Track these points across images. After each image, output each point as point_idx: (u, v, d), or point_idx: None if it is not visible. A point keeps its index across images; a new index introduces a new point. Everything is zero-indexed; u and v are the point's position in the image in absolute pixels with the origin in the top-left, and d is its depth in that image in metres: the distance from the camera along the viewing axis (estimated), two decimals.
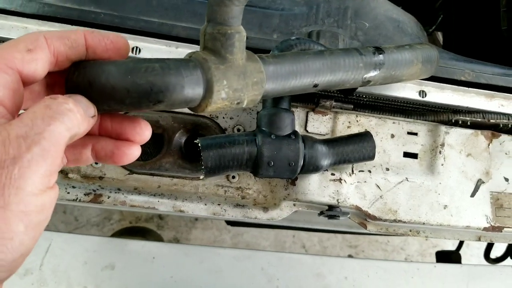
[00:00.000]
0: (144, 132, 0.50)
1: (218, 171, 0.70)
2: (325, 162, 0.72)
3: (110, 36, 0.49)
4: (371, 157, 0.73)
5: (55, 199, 0.41)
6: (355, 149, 0.73)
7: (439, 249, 2.18)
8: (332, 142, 0.73)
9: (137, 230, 1.42)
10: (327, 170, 0.79)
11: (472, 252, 2.35)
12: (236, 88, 0.50)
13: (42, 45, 0.45)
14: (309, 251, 2.26)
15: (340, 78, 0.63)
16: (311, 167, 0.72)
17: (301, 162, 0.70)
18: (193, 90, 0.47)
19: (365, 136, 0.73)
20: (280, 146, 0.69)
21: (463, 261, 1.46)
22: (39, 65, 0.44)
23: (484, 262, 1.46)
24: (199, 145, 0.67)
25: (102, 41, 0.48)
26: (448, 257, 1.42)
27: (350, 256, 2.30)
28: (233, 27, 0.49)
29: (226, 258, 1.10)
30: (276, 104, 0.71)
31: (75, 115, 0.42)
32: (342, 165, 0.76)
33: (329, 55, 0.61)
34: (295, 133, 0.71)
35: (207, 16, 0.50)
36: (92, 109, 0.45)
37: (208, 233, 2.20)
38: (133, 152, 0.50)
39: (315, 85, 0.61)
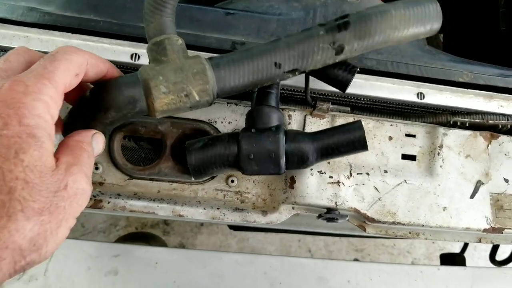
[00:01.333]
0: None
1: (204, 170, 0.70)
2: (311, 153, 0.69)
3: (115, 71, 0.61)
4: (362, 146, 0.69)
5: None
6: (343, 139, 0.69)
7: (446, 252, 2.17)
8: (318, 134, 0.71)
9: (141, 236, 1.43)
10: (324, 172, 0.79)
11: (480, 255, 2.33)
12: (175, 82, 0.56)
13: (84, 70, 0.53)
14: (314, 255, 2.26)
15: (303, 51, 0.63)
16: (296, 159, 0.69)
17: (282, 153, 0.68)
18: (132, 89, 0.56)
19: (353, 125, 0.70)
20: (259, 138, 0.68)
21: (471, 263, 1.45)
22: (76, 86, 0.53)
23: (491, 264, 1.45)
24: (185, 145, 0.70)
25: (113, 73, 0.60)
26: (452, 259, 1.41)
27: (356, 260, 2.29)
28: (161, 36, 0.59)
29: (229, 263, 1.11)
30: (261, 101, 0.71)
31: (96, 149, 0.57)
32: (333, 157, 0.74)
33: (284, 36, 0.65)
34: (277, 126, 0.69)
35: (147, 35, 0.61)
36: (100, 150, 0.58)
37: (214, 238, 2.20)
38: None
39: (278, 65, 0.63)
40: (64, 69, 0.49)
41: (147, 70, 0.57)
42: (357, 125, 0.70)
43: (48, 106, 0.46)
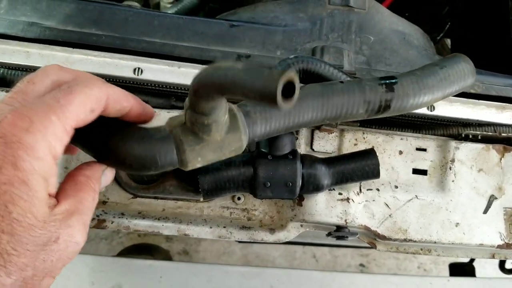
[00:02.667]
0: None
1: (215, 193, 0.70)
2: (326, 181, 0.70)
3: (148, 112, 0.56)
4: (375, 175, 0.71)
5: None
6: (357, 167, 0.71)
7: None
8: (333, 160, 0.72)
9: (144, 247, 1.42)
10: (333, 189, 0.77)
11: (488, 260, 2.30)
12: (211, 159, 0.53)
13: (102, 106, 0.48)
14: (319, 261, 2.24)
15: (349, 114, 0.61)
16: (311, 187, 0.70)
17: (299, 182, 0.69)
18: (168, 165, 0.53)
19: (368, 154, 0.71)
20: (276, 166, 0.68)
21: (478, 268, 1.43)
22: (92, 123, 0.48)
23: (499, 271, 1.43)
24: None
25: (142, 114, 0.54)
26: (462, 269, 1.39)
27: (361, 265, 2.27)
28: (210, 117, 0.49)
29: (234, 276, 1.09)
30: None
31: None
32: (346, 184, 0.74)
33: (327, 97, 0.59)
34: (293, 152, 0.69)
35: (189, 99, 0.51)
36: (108, 182, 0.56)
37: (217, 244, 2.18)
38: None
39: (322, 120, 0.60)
40: (79, 104, 0.45)
41: (186, 151, 0.51)
42: (372, 154, 0.71)
43: (51, 146, 0.42)
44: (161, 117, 0.76)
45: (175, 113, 0.77)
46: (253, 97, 0.40)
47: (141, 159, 0.51)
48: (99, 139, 0.52)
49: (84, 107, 0.45)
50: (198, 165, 0.53)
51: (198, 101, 0.47)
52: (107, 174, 0.54)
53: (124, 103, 0.50)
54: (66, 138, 0.44)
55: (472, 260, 1.41)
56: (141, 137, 0.52)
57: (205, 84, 0.45)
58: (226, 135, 0.53)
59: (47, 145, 0.42)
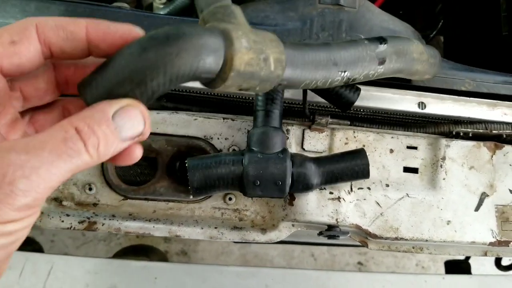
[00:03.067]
0: (132, 153, 0.44)
1: (205, 191, 0.70)
2: (315, 180, 0.71)
3: (120, 30, 0.41)
4: (365, 175, 0.71)
5: (31, 223, 0.39)
6: (347, 167, 0.71)
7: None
8: (323, 160, 0.72)
9: (141, 248, 1.42)
10: (324, 188, 0.77)
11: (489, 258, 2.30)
12: (254, 40, 0.44)
13: (30, 35, 0.40)
14: (318, 259, 2.24)
15: (361, 67, 0.59)
16: (300, 186, 0.70)
17: (288, 181, 0.69)
18: (215, 39, 0.41)
19: (358, 154, 0.72)
20: (266, 165, 0.68)
21: (475, 265, 1.43)
22: (23, 58, 0.40)
23: (496, 268, 1.43)
24: (186, 165, 0.68)
25: (109, 35, 0.41)
26: (457, 266, 1.39)
27: (359, 263, 2.27)
28: (223, 2, 0.47)
29: (230, 276, 1.09)
30: (266, 122, 0.71)
31: (91, 158, 0.38)
32: (336, 184, 0.74)
33: (336, 44, 0.57)
34: (283, 151, 0.70)
35: (198, 8, 0.49)
36: (133, 131, 0.40)
37: (216, 244, 2.18)
38: (131, 153, 0.43)
39: (334, 63, 0.55)
40: None
41: (223, 23, 0.44)
42: (362, 154, 0.71)
43: None
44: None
45: (165, 114, 0.77)
46: None
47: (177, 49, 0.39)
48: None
49: (0, 38, 0.39)
50: (245, 42, 0.43)
51: None
52: (133, 117, 0.40)
53: (69, 27, 0.40)
54: None
55: (468, 257, 1.41)
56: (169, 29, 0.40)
57: None
58: (254, 28, 0.47)
59: None
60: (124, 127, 0.39)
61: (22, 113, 0.47)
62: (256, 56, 0.44)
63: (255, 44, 0.44)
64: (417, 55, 0.65)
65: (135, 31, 0.42)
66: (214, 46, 0.41)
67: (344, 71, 0.56)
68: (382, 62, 0.61)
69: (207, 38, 0.41)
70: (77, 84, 0.42)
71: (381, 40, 0.61)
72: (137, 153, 0.43)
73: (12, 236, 0.37)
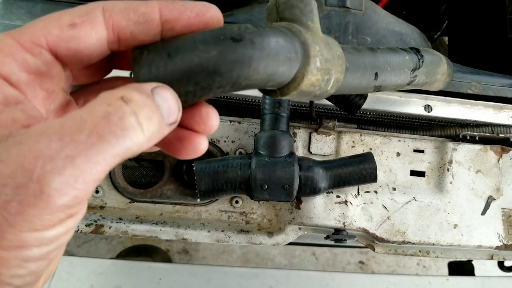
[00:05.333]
0: (207, 120, 0.38)
1: (212, 195, 0.70)
2: (323, 184, 0.71)
3: (196, 8, 0.37)
4: (373, 179, 0.71)
5: (75, 224, 0.32)
6: (355, 171, 0.71)
7: None
8: (331, 164, 0.72)
9: (144, 248, 1.42)
10: (331, 192, 0.77)
11: None
12: (327, 58, 0.41)
13: (96, 19, 0.34)
14: (319, 258, 2.24)
15: (395, 75, 0.57)
16: (308, 190, 0.70)
17: (296, 185, 0.69)
18: (293, 53, 0.38)
19: (365, 158, 0.71)
20: (274, 169, 0.68)
21: (480, 266, 1.43)
22: (82, 44, 0.34)
23: (499, 269, 1.43)
24: (194, 169, 0.68)
25: (184, 14, 0.36)
26: (461, 268, 1.39)
27: (361, 263, 2.27)
28: None
29: (233, 277, 1.09)
30: (273, 126, 0.70)
31: (142, 135, 0.30)
32: (343, 187, 0.74)
33: (381, 50, 0.55)
34: (291, 155, 0.70)
35: None
36: (175, 114, 0.34)
37: (217, 243, 2.18)
38: (197, 146, 0.38)
39: (376, 80, 0.54)
40: (49, 18, 0.34)
41: (303, 33, 0.40)
42: (370, 158, 0.71)
43: None
44: None
45: None
46: None
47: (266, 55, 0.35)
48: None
49: (58, 19, 0.34)
50: (318, 63, 0.40)
51: None
52: (168, 99, 0.34)
53: (141, 8, 0.36)
54: (30, 58, 0.34)
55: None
56: (237, 32, 0.35)
57: None
58: (325, 35, 0.44)
59: (42, 33, 0.34)
60: (164, 108, 0.33)
61: (75, 97, 0.42)
62: (321, 78, 0.42)
63: (326, 63, 0.42)
64: (440, 76, 0.65)
65: (212, 10, 0.37)
66: (291, 62, 0.38)
67: (381, 84, 0.55)
68: (412, 81, 0.61)
69: (288, 48, 0.37)
70: (132, 54, 0.37)
71: (418, 52, 0.60)
72: (204, 144, 0.39)
73: (53, 243, 0.31)
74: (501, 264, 1.33)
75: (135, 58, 0.36)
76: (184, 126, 0.38)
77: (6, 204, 0.28)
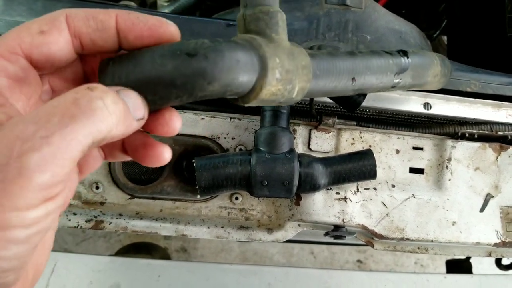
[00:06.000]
0: (170, 122, 0.41)
1: (212, 191, 0.70)
2: (323, 181, 0.71)
3: (150, 21, 0.39)
4: (372, 175, 0.72)
5: (57, 208, 0.33)
6: (354, 167, 0.71)
7: None
8: (330, 160, 0.72)
9: (143, 246, 1.42)
10: (331, 189, 0.77)
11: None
12: (288, 69, 0.43)
13: (60, 25, 0.38)
14: (317, 257, 2.25)
15: (376, 79, 0.57)
16: (308, 186, 0.71)
17: (296, 182, 0.69)
18: (250, 66, 0.40)
19: (365, 155, 0.72)
20: (274, 165, 0.68)
21: (477, 265, 1.43)
22: (53, 48, 0.37)
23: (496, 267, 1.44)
24: (194, 165, 0.68)
25: (137, 25, 0.39)
26: (459, 266, 1.39)
27: (359, 261, 2.28)
28: (273, 6, 0.45)
29: (232, 275, 1.09)
30: (273, 122, 0.71)
31: (110, 116, 0.33)
32: (343, 184, 0.75)
33: (361, 55, 0.56)
34: (291, 151, 0.70)
35: (242, 0, 0.46)
36: (141, 111, 0.37)
37: (216, 241, 2.19)
38: (160, 154, 0.42)
39: (354, 84, 0.54)
40: (20, 28, 0.37)
41: (263, 46, 0.42)
42: (369, 155, 0.71)
43: None
44: None
45: None
46: None
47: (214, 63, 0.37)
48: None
49: (28, 28, 0.37)
50: (277, 74, 0.42)
51: None
52: (132, 98, 0.37)
53: (99, 16, 0.39)
54: (8, 65, 0.37)
55: (469, 256, 1.42)
56: (193, 47, 0.37)
57: None
58: (292, 45, 0.45)
59: (16, 42, 0.37)
60: (129, 102, 0.36)
61: None
62: (283, 87, 0.44)
63: (287, 74, 0.43)
64: (431, 78, 0.65)
65: (165, 25, 0.39)
66: (247, 74, 0.40)
67: (360, 88, 0.55)
68: (396, 84, 0.61)
69: (243, 62, 0.39)
70: (99, 64, 0.40)
71: (404, 55, 0.60)
72: (167, 154, 0.42)
73: (35, 226, 0.32)
74: (498, 263, 1.34)
75: (102, 68, 0.39)
76: (149, 129, 0.41)
77: None
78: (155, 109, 0.39)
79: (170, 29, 0.40)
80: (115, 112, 0.34)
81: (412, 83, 0.64)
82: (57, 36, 0.38)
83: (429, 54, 0.67)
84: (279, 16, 0.46)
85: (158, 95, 0.37)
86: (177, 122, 0.41)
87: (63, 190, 0.33)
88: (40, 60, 0.38)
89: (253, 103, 0.44)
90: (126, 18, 0.39)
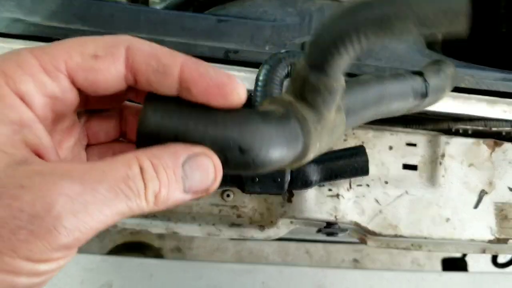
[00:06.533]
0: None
1: None
2: (314, 177, 0.70)
3: (219, 78, 0.35)
4: (365, 172, 0.71)
5: (63, 265, 0.33)
6: (347, 164, 0.70)
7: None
8: (322, 157, 0.71)
9: (135, 245, 1.41)
10: (323, 185, 0.76)
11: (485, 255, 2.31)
12: (323, 147, 0.42)
13: (117, 54, 0.35)
14: (313, 256, 2.24)
15: (397, 109, 0.56)
16: (299, 183, 0.70)
17: (287, 178, 0.68)
18: (292, 153, 0.39)
19: (357, 151, 0.71)
20: None
21: (474, 264, 1.43)
22: (101, 77, 0.35)
23: (492, 265, 1.43)
24: None
25: (204, 79, 0.35)
26: (454, 264, 1.39)
27: (355, 260, 2.27)
28: (338, 80, 0.39)
29: (226, 273, 1.08)
30: None
31: (146, 206, 0.33)
32: (335, 181, 0.74)
33: (386, 85, 0.53)
34: None
35: (308, 57, 0.39)
36: (206, 183, 0.35)
37: (211, 241, 2.18)
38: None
39: (376, 116, 0.53)
40: (72, 43, 0.35)
41: (311, 133, 0.40)
42: (361, 151, 0.71)
43: (16, 83, 0.33)
44: None
45: None
46: (433, 23, 0.31)
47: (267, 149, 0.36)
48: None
49: (81, 47, 0.34)
50: (312, 156, 0.41)
51: (331, 57, 0.35)
52: (205, 167, 0.35)
53: (164, 59, 0.35)
54: (48, 82, 0.34)
55: (464, 254, 1.42)
56: (255, 118, 0.36)
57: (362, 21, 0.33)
58: (336, 116, 0.42)
59: (65, 59, 0.34)
60: (192, 178, 0.34)
61: (85, 118, 0.44)
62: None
63: (320, 149, 0.42)
64: (443, 96, 0.66)
65: (233, 84, 0.36)
66: (288, 160, 0.39)
67: (383, 116, 0.55)
68: (413, 109, 0.60)
69: (288, 155, 0.38)
70: (148, 93, 0.37)
71: (425, 84, 0.60)
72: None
73: (42, 277, 0.32)
74: (494, 260, 1.33)
75: (150, 99, 0.36)
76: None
77: (18, 229, 0.28)
78: None
79: (237, 91, 0.36)
80: (152, 199, 0.33)
81: (427, 106, 0.64)
82: (110, 65, 0.35)
83: (444, 74, 0.66)
84: (339, 91, 0.40)
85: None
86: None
87: (76, 250, 0.33)
88: (84, 85, 0.35)
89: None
90: (194, 69, 0.35)
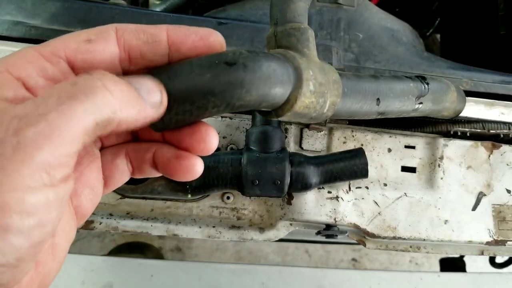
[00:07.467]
0: (207, 139, 0.41)
1: (203, 190, 0.70)
2: (314, 180, 0.71)
3: (200, 32, 0.40)
4: (364, 174, 0.71)
5: (58, 201, 0.31)
6: (346, 166, 0.71)
7: None
8: (322, 159, 0.72)
9: (136, 245, 1.41)
10: (323, 188, 0.77)
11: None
12: (321, 82, 0.44)
13: (108, 36, 0.37)
14: (312, 256, 2.25)
15: (398, 101, 0.59)
16: (299, 185, 0.70)
17: (287, 181, 0.69)
18: (286, 77, 0.40)
19: (357, 153, 0.72)
20: (265, 164, 0.68)
21: (472, 263, 1.43)
22: (97, 57, 0.37)
23: (490, 266, 1.44)
24: None
25: (189, 37, 0.39)
26: (452, 264, 1.40)
27: (354, 260, 2.28)
28: (303, 23, 0.46)
29: (225, 274, 1.09)
30: (265, 121, 0.71)
31: (110, 95, 0.32)
32: (334, 183, 0.75)
33: (383, 78, 0.57)
34: (282, 150, 0.70)
35: (272, 19, 0.48)
36: (156, 95, 0.36)
37: (210, 241, 2.18)
38: (192, 166, 0.41)
39: (379, 105, 0.56)
40: (71, 35, 0.37)
41: (296, 57, 0.43)
42: (361, 154, 0.71)
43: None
44: None
45: None
46: None
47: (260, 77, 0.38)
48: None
49: (76, 36, 0.37)
50: (311, 86, 0.43)
51: (287, 6, 0.44)
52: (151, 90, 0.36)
53: (150, 30, 0.39)
54: (49, 66, 0.36)
55: (462, 255, 1.42)
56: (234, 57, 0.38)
57: None
58: (321, 62, 0.47)
59: (62, 46, 0.36)
60: (141, 88, 0.35)
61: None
62: (316, 100, 0.45)
63: (320, 87, 0.44)
64: (449, 104, 0.68)
65: (215, 35, 0.40)
66: (283, 85, 0.40)
67: (385, 110, 0.57)
68: (416, 109, 0.63)
69: (280, 72, 0.40)
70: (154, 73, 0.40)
71: (424, 83, 0.62)
72: (200, 166, 0.42)
73: (34, 215, 0.30)
74: (492, 261, 1.34)
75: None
76: (185, 146, 0.41)
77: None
78: (190, 121, 0.39)
79: (219, 39, 0.40)
80: (116, 91, 0.33)
81: (432, 108, 0.65)
82: (103, 46, 0.37)
83: (445, 81, 0.70)
84: (309, 32, 0.48)
85: (195, 105, 0.37)
86: (214, 139, 0.41)
87: (67, 181, 0.32)
88: (83, 68, 0.37)
89: (286, 116, 0.44)
90: (178, 31, 0.39)
